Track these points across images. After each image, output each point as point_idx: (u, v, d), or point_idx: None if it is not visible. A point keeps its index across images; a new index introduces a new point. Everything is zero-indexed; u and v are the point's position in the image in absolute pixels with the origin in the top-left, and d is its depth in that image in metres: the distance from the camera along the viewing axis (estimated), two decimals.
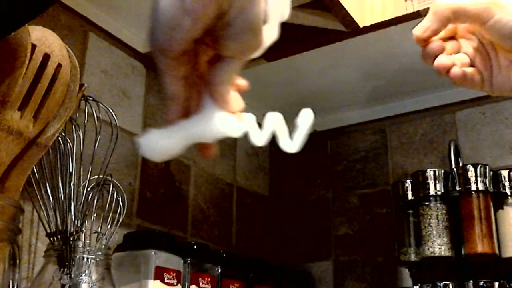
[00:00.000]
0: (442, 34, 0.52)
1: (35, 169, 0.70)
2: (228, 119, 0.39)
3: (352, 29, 1.02)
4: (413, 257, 1.13)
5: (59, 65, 0.65)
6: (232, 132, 0.40)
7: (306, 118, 0.43)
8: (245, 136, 0.42)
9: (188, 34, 0.35)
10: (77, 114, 0.76)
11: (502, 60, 0.49)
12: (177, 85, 0.38)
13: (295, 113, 0.42)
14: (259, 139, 0.41)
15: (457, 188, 1.09)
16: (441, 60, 0.51)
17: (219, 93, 0.38)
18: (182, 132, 0.39)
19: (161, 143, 0.39)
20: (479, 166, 1.09)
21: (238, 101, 0.40)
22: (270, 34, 0.38)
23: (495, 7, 0.47)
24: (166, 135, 0.39)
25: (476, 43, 0.52)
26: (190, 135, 0.39)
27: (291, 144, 0.43)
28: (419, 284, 1.10)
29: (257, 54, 0.38)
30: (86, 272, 0.70)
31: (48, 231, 0.72)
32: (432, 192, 1.10)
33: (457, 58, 0.52)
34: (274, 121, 0.42)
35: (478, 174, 1.08)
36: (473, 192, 1.07)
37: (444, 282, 1.06)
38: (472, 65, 0.52)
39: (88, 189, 0.74)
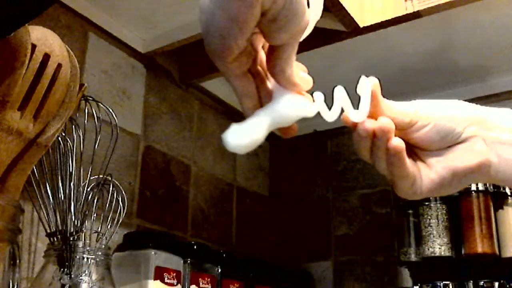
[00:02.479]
0: None
1: (35, 169, 0.70)
2: (299, 101, 0.41)
3: (352, 29, 1.01)
4: (413, 257, 1.13)
5: (59, 65, 0.65)
6: (305, 113, 0.42)
7: (366, 85, 0.44)
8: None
9: (238, 39, 0.36)
10: (77, 114, 0.76)
11: (428, 159, 0.47)
12: (243, 81, 0.40)
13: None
14: (330, 116, 0.43)
15: None
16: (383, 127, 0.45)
17: (285, 79, 0.40)
18: (261, 121, 0.41)
19: (244, 136, 0.40)
20: None
21: (305, 80, 0.41)
22: (315, 13, 0.40)
23: (416, 116, 0.45)
24: (248, 128, 0.40)
25: None
26: (268, 123, 0.41)
27: (358, 114, 0.44)
28: (419, 284, 1.10)
29: (306, 34, 0.40)
30: (86, 272, 0.70)
31: (48, 231, 0.72)
32: None
33: None
34: (340, 95, 0.43)
35: None
36: (473, 192, 1.07)
37: (444, 282, 1.06)
38: None
39: (88, 189, 0.74)
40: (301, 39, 0.39)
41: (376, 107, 0.44)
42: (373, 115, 0.44)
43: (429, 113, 0.45)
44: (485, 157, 0.45)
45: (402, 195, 0.47)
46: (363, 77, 0.44)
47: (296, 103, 0.41)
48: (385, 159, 0.44)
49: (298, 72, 0.41)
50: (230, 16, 0.35)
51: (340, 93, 0.43)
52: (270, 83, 0.42)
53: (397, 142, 0.43)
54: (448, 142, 0.46)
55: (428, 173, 0.46)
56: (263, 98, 0.42)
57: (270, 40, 0.39)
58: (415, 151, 0.47)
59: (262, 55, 0.42)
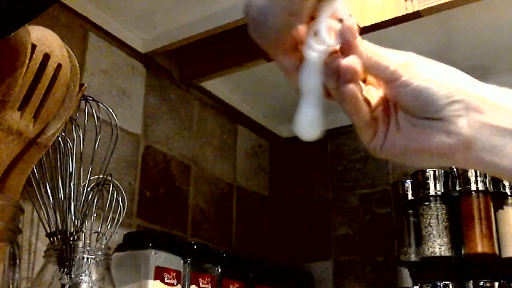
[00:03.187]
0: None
1: (35, 169, 0.70)
2: (320, 26, 0.40)
3: None
4: (413, 257, 1.13)
5: (59, 65, 0.65)
6: (327, 40, 0.41)
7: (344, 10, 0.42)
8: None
9: (296, 27, 0.39)
10: (77, 114, 0.76)
11: (402, 122, 0.42)
12: (288, 58, 0.41)
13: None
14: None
15: (457, 188, 1.10)
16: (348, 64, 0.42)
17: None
18: (307, 92, 0.42)
19: (314, 124, 0.42)
20: None
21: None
22: None
23: (408, 69, 0.41)
24: (310, 114, 0.42)
25: (382, 94, 0.44)
26: (311, 86, 0.42)
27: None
28: (419, 284, 1.10)
29: None
30: (86, 272, 0.70)
31: (48, 231, 0.72)
32: (432, 192, 1.10)
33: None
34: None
35: (478, 174, 1.08)
36: (473, 192, 1.07)
37: (444, 282, 1.06)
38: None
39: (88, 189, 0.74)
40: None
41: (351, 46, 0.41)
42: (345, 51, 0.41)
43: (417, 72, 0.41)
44: (463, 143, 0.40)
45: (365, 146, 0.44)
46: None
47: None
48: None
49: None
50: (290, 11, 0.37)
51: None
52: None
53: (350, 61, 0.40)
54: (426, 112, 0.41)
55: (395, 136, 0.42)
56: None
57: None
58: (395, 107, 0.43)
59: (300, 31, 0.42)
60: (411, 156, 0.42)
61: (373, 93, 0.45)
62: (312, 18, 0.41)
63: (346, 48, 0.41)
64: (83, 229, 0.72)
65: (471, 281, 1.05)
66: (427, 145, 0.41)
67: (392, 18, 1.00)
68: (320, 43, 0.41)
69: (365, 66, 0.42)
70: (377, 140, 0.43)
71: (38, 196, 0.72)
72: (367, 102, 0.43)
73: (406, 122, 0.42)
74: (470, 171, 1.08)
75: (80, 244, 0.71)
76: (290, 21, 0.38)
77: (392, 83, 0.42)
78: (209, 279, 0.96)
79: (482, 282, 1.04)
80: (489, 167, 0.41)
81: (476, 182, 1.07)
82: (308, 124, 0.41)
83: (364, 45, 0.42)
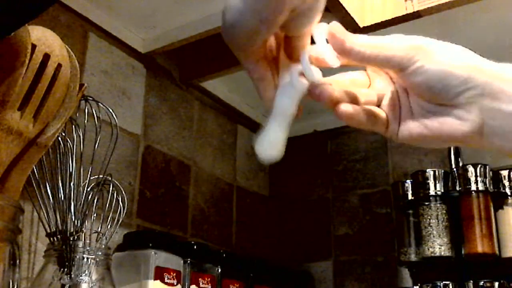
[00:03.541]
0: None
1: (35, 169, 0.70)
2: (306, 66, 0.41)
3: (352, 29, 1.01)
4: (413, 257, 1.13)
5: (59, 65, 0.65)
6: (313, 77, 0.42)
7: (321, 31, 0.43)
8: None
9: (264, 36, 0.39)
10: (77, 114, 0.76)
11: (415, 107, 0.43)
12: (259, 67, 0.42)
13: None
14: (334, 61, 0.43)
15: (457, 188, 1.10)
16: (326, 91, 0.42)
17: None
18: (280, 120, 0.42)
19: (274, 145, 0.41)
20: (479, 166, 1.09)
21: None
22: None
23: (418, 52, 0.41)
24: (273, 135, 0.41)
25: (388, 81, 0.45)
26: (286, 109, 0.42)
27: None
28: (419, 284, 1.10)
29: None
30: (86, 272, 0.70)
31: (48, 231, 0.72)
32: (432, 192, 1.10)
33: (363, 93, 0.44)
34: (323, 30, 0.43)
35: (478, 174, 1.08)
36: (473, 192, 1.07)
37: (444, 282, 1.06)
38: (378, 104, 0.45)
39: (88, 189, 0.74)
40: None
41: (343, 47, 0.41)
42: (344, 54, 0.41)
43: (428, 55, 0.41)
44: (476, 129, 0.40)
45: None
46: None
47: (304, 68, 0.42)
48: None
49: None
50: (261, 18, 0.37)
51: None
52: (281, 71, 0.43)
53: (324, 95, 0.41)
54: (440, 99, 0.41)
55: (409, 124, 0.43)
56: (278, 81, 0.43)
57: (290, 32, 0.40)
58: (406, 93, 0.44)
59: (273, 42, 0.43)
60: (428, 142, 0.43)
61: (377, 84, 0.45)
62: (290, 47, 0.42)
63: (341, 54, 0.42)
64: (83, 229, 0.72)
65: (471, 281, 1.05)
66: (441, 133, 0.41)
67: (392, 18, 1.00)
68: (305, 78, 0.42)
69: (368, 62, 0.42)
70: (391, 130, 0.44)
71: (38, 196, 0.72)
72: (369, 105, 0.44)
73: (419, 108, 0.42)
74: (470, 171, 1.08)
75: (80, 244, 0.71)
76: (260, 28, 0.37)
77: (402, 72, 0.41)
78: (209, 279, 0.96)
79: (482, 282, 1.04)
80: (501, 151, 0.42)
81: (476, 182, 1.07)
82: (271, 144, 0.41)
83: (359, 41, 0.41)
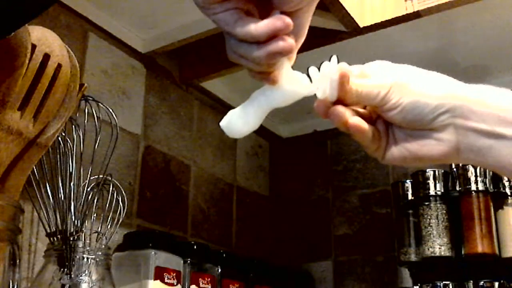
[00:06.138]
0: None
1: (35, 169, 0.70)
2: (300, 79, 0.42)
3: (352, 29, 1.01)
4: (413, 257, 1.13)
5: (59, 65, 0.65)
6: (306, 92, 0.43)
7: (331, 70, 0.44)
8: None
9: None
10: (77, 114, 0.76)
11: (397, 133, 0.47)
12: (221, 5, 0.38)
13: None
14: (321, 91, 0.44)
15: (457, 188, 1.09)
16: (338, 111, 0.46)
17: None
18: (258, 106, 0.42)
19: (242, 123, 0.42)
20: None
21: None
22: None
23: (393, 90, 0.44)
24: (245, 114, 0.42)
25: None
26: (265, 106, 0.42)
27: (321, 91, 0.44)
28: (419, 284, 1.10)
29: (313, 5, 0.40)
30: (86, 272, 0.70)
31: (48, 231, 0.72)
32: (432, 192, 1.10)
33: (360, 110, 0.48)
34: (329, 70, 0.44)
35: (478, 174, 1.08)
36: (473, 192, 1.07)
37: (444, 282, 1.06)
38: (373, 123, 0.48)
39: (88, 189, 0.74)
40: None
41: (344, 91, 0.44)
42: (341, 98, 0.45)
43: (405, 90, 0.44)
44: (453, 148, 0.44)
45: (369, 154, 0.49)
46: (325, 62, 0.44)
47: (297, 81, 0.42)
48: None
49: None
50: None
51: (327, 68, 0.44)
52: None
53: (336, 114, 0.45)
54: (417, 126, 0.45)
55: (393, 148, 0.47)
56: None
57: (280, 5, 0.39)
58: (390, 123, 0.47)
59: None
60: (410, 162, 0.47)
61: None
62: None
63: (341, 96, 0.45)
64: (83, 229, 0.72)
65: (471, 281, 1.05)
66: (421, 154, 0.45)
67: (392, 18, 1.00)
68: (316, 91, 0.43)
69: (357, 100, 0.45)
70: (379, 151, 0.48)
71: (38, 196, 0.72)
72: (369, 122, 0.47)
73: (401, 134, 0.46)
74: (470, 171, 1.08)
75: (80, 244, 0.71)
76: None
77: (382, 107, 0.45)
78: (209, 279, 0.96)
79: (482, 282, 1.04)
80: (479, 165, 0.45)
81: (476, 182, 1.07)
82: (242, 122, 0.42)
83: (354, 81, 0.45)
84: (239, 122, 0.41)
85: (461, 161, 0.46)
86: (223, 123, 0.42)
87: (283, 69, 0.41)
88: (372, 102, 0.45)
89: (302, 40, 0.42)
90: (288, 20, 0.38)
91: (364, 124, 0.46)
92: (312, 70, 0.44)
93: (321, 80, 0.44)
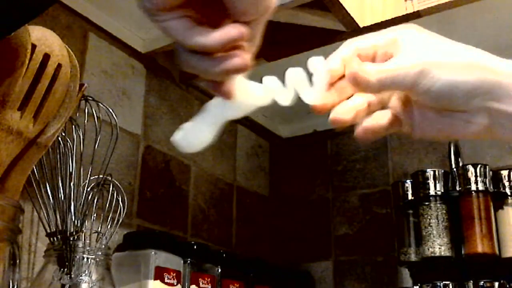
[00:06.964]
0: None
1: (35, 169, 0.70)
2: (253, 89, 0.41)
3: (352, 29, 1.01)
4: (413, 257, 1.13)
5: (59, 65, 0.65)
6: (261, 102, 0.42)
7: (317, 65, 0.43)
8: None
9: None
10: (77, 114, 0.76)
11: (423, 112, 0.45)
12: (173, 14, 0.37)
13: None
14: (285, 99, 0.43)
15: (457, 188, 1.09)
16: (338, 113, 0.44)
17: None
18: (212, 118, 0.41)
19: (195, 137, 0.40)
20: (479, 166, 1.09)
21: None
22: None
23: (423, 71, 0.41)
24: (198, 128, 0.40)
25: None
26: (220, 119, 0.41)
27: (312, 95, 0.43)
28: (419, 284, 1.10)
29: (267, 15, 0.37)
30: (86, 272, 0.70)
31: (48, 231, 0.72)
32: (432, 192, 1.10)
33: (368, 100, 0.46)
34: (295, 76, 0.43)
35: (478, 174, 1.08)
36: (473, 192, 1.07)
37: (444, 282, 1.06)
38: (383, 107, 0.46)
39: (88, 189, 0.74)
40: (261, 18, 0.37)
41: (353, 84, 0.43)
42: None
43: (434, 75, 0.41)
44: (485, 128, 0.43)
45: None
46: (290, 69, 0.43)
47: (251, 92, 0.41)
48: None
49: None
50: None
51: (295, 74, 0.43)
52: None
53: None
54: (449, 108, 0.43)
55: (422, 125, 0.45)
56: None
57: (236, 14, 0.36)
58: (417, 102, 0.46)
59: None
60: (441, 139, 0.47)
61: (385, 95, 0.47)
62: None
63: (355, 87, 0.43)
64: (83, 229, 0.72)
65: (471, 281, 1.05)
66: (453, 133, 0.45)
67: (392, 18, 1.00)
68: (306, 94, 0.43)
69: (380, 88, 0.43)
70: (406, 129, 0.46)
71: (38, 196, 0.72)
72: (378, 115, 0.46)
73: (431, 113, 0.44)
74: (470, 171, 1.08)
75: (80, 244, 0.71)
76: None
77: (412, 90, 0.43)
78: (209, 279, 0.96)
79: (482, 282, 1.04)
80: None
81: (476, 182, 1.07)
82: (197, 137, 0.41)
83: (368, 70, 0.43)
84: (193, 137, 0.40)
85: (496, 137, 0.44)
86: (176, 138, 0.40)
87: (237, 80, 0.39)
88: (400, 86, 0.43)
89: (254, 50, 0.39)
90: (243, 29, 0.35)
91: (375, 125, 0.45)
92: (267, 79, 0.42)
93: (289, 86, 0.43)
